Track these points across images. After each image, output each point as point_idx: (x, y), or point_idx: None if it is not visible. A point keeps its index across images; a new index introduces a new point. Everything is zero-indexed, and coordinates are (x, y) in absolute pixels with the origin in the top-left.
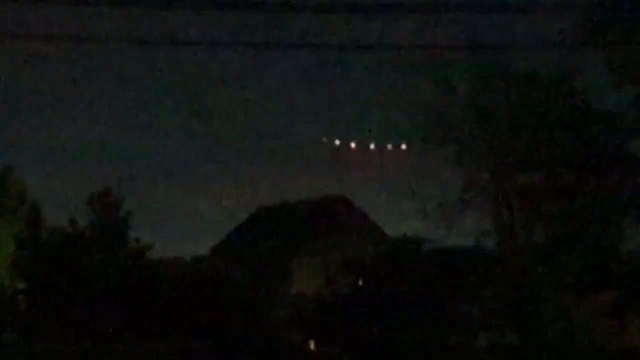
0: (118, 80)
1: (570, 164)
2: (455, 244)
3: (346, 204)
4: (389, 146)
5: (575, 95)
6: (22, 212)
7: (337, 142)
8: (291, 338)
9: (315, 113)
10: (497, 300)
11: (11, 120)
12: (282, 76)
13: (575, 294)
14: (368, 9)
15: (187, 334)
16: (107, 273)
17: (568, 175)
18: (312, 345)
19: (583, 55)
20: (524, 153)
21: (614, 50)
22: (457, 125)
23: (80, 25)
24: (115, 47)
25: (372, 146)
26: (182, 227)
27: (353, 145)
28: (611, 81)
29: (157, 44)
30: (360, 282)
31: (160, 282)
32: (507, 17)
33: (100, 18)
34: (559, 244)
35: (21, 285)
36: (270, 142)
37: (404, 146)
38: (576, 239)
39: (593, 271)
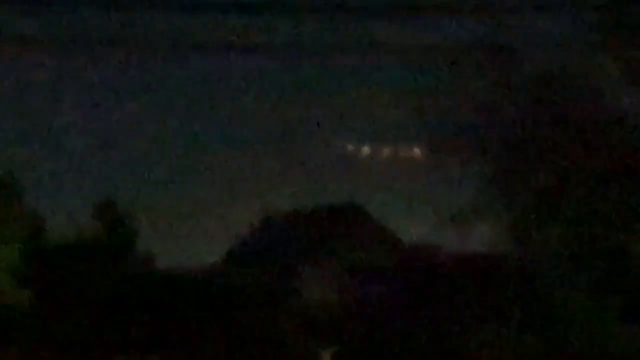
0: None
1: (588, 167)
2: (471, 250)
3: (358, 211)
4: (402, 152)
5: (591, 97)
6: (25, 221)
7: (350, 147)
8: (305, 348)
9: (326, 117)
10: (515, 307)
11: None
12: (290, 78)
13: (596, 299)
14: (381, 7)
15: (198, 344)
16: (114, 283)
17: (586, 179)
18: (327, 355)
19: (599, 56)
20: (539, 156)
21: (629, 51)
22: (470, 129)
23: None
24: None
25: (385, 151)
26: (192, 235)
27: (365, 150)
28: (626, 82)
29: None
30: (374, 290)
31: (170, 291)
32: (520, 17)
33: None
34: (578, 248)
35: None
36: (280, 147)
37: (417, 150)
38: (596, 243)
39: (614, 276)
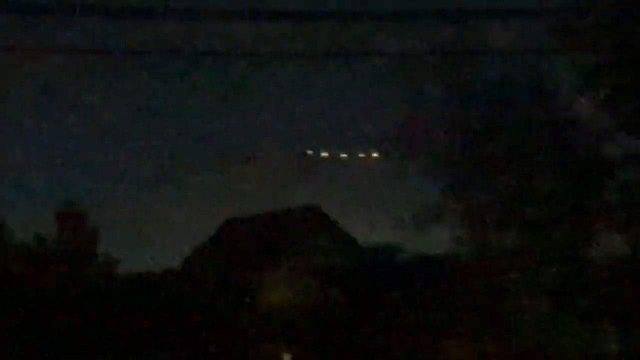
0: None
1: (545, 169)
2: (430, 253)
3: (319, 214)
4: (362, 155)
5: (546, 101)
6: None
7: (309, 152)
8: (266, 351)
9: (287, 123)
10: (472, 308)
11: None
12: (252, 86)
13: (550, 301)
14: (338, 15)
15: (158, 350)
16: (74, 290)
17: (543, 181)
18: (288, 358)
19: (555, 61)
20: (496, 159)
21: (584, 56)
22: (430, 133)
23: None
24: None
25: (345, 156)
26: (152, 240)
27: (325, 154)
28: (581, 86)
29: None
30: (335, 293)
31: (130, 297)
32: (479, 23)
33: None
34: (534, 250)
35: None
36: (242, 153)
37: (376, 155)
38: (551, 245)
39: (568, 277)
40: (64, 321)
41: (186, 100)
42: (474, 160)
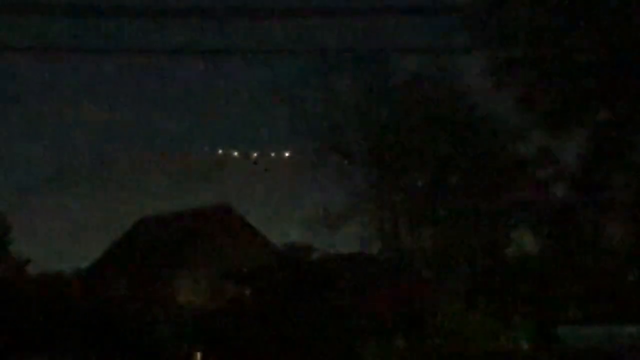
0: None
1: (456, 167)
2: (342, 251)
3: (229, 213)
4: (273, 154)
5: (459, 98)
6: None
7: (220, 151)
8: (176, 350)
9: (198, 122)
10: (383, 305)
11: None
12: (155, 84)
13: (463, 298)
14: (247, 13)
15: (70, 349)
16: None
17: (454, 179)
18: (198, 357)
19: (466, 58)
20: (407, 157)
21: (496, 53)
22: (340, 131)
23: None
24: None
25: (256, 155)
26: (64, 240)
27: (236, 154)
28: (493, 83)
29: None
30: (246, 292)
31: (40, 297)
32: (390, 21)
33: None
34: (446, 248)
35: None
36: (153, 153)
37: (287, 154)
38: (463, 243)
39: (480, 275)
40: None
41: (98, 96)
42: (386, 158)
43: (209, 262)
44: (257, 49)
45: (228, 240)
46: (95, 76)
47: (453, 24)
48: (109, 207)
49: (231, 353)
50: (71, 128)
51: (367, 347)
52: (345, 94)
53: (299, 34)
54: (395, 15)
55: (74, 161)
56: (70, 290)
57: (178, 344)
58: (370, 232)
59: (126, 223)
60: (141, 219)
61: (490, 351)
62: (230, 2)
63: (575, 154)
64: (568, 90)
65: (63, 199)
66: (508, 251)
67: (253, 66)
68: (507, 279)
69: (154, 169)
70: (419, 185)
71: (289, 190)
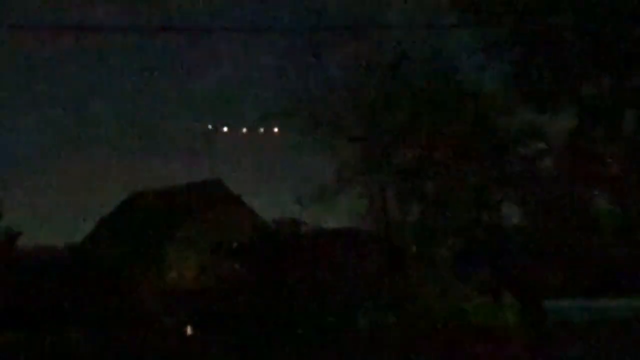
0: None
1: (444, 143)
2: (333, 226)
3: (220, 187)
4: (262, 130)
5: (447, 75)
6: None
7: (209, 127)
8: (168, 323)
9: (187, 98)
10: (374, 281)
11: None
12: (147, 60)
13: (452, 273)
14: None
15: (60, 323)
16: None
17: (442, 155)
18: (189, 330)
19: (456, 36)
20: (396, 133)
21: (485, 31)
22: (330, 107)
23: None
24: None
25: (245, 131)
26: (56, 215)
27: (226, 130)
28: (482, 61)
29: None
30: (237, 266)
31: (32, 270)
32: None
33: None
34: (434, 223)
35: None
36: (142, 128)
37: (276, 130)
38: (451, 218)
39: (468, 250)
40: None
41: (88, 76)
42: (374, 134)
43: (199, 237)
44: (246, 25)
45: (218, 215)
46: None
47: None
48: (97, 184)
49: (220, 327)
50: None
51: (353, 321)
52: (334, 70)
53: (290, 9)
54: None
55: (58, 138)
56: (61, 263)
57: (168, 317)
58: (359, 207)
59: (116, 199)
60: (131, 194)
61: (477, 325)
62: None
63: (562, 129)
64: (554, 66)
65: (57, 174)
66: (495, 226)
67: (241, 41)
68: (495, 253)
69: (143, 144)
70: (407, 161)
71: (279, 166)
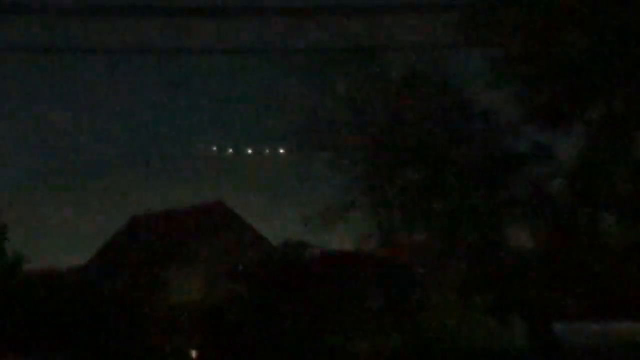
0: None
1: (451, 162)
2: (338, 248)
3: (224, 210)
4: (267, 151)
5: (454, 94)
6: None
7: (214, 148)
8: (173, 347)
9: (189, 120)
10: (379, 303)
11: None
12: (148, 83)
13: (459, 295)
14: (239, 11)
15: (64, 347)
16: None
17: (449, 175)
18: (194, 354)
19: (463, 55)
20: (403, 153)
21: (493, 50)
22: (335, 127)
23: None
24: None
25: (251, 151)
26: (59, 239)
27: (231, 150)
28: (490, 80)
29: None
30: (241, 289)
31: (35, 294)
32: (386, 18)
33: None
34: (442, 244)
35: None
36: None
37: (282, 151)
38: (458, 238)
39: (476, 271)
40: None
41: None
42: (381, 154)
43: (202, 260)
44: (250, 46)
45: (222, 237)
46: (73, 77)
47: (449, 21)
48: (102, 207)
49: (226, 350)
50: (54, 128)
51: (358, 345)
52: (340, 90)
53: (294, 31)
54: (391, 12)
55: (64, 161)
56: (64, 287)
57: (173, 341)
58: (365, 229)
59: (119, 222)
60: (134, 217)
61: (486, 348)
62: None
63: (572, 150)
64: (564, 87)
65: (60, 198)
66: (504, 248)
67: (247, 63)
68: (503, 275)
69: (150, 164)
70: (414, 181)
71: (284, 187)
